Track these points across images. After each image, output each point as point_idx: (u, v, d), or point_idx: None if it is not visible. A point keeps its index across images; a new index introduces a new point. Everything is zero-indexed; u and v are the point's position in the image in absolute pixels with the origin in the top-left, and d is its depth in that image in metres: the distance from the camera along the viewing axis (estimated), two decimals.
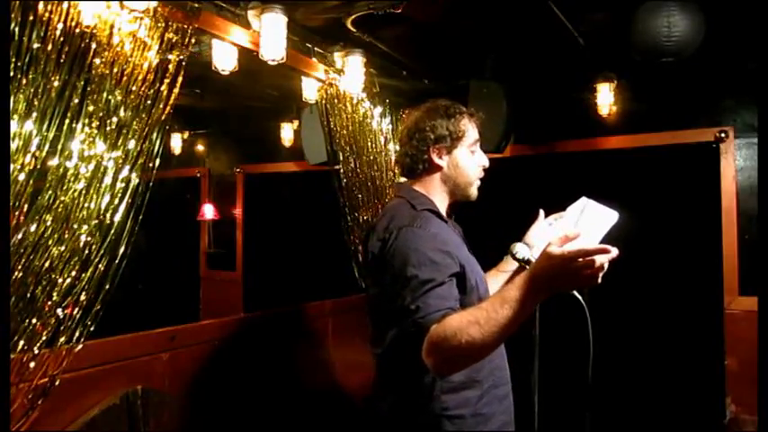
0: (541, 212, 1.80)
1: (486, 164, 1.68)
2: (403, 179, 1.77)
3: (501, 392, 1.60)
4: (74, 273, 1.60)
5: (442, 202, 1.66)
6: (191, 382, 2.28)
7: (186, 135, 5.04)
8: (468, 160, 1.64)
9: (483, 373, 1.55)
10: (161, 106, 1.81)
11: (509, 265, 1.76)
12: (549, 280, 1.19)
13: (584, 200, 1.70)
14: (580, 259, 1.16)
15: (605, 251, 1.16)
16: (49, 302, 1.56)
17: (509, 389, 1.65)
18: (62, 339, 1.60)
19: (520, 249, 1.49)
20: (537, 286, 1.20)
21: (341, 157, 3.02)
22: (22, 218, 1.49)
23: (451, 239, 1.55)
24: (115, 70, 1.70)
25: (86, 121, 1.63)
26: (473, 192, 1.67)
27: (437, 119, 1.61)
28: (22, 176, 1.47)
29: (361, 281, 3.11)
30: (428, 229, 1.48)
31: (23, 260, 1.50)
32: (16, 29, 1.44)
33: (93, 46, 1.65)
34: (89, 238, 1.63)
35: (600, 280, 1.18)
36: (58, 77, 1.54)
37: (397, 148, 1.82)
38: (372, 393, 1.63)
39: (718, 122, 3.41)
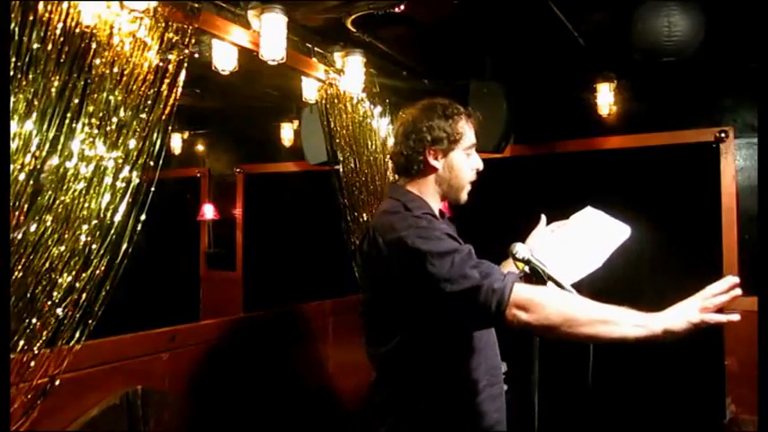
0: (543, 218, 1.79)
1: (481, 167, 1.65)
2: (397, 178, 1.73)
3: (495, 391, 1.61)
4: (74, 273, 1.60)
5: (435, 204, 1.65)
6: (191, 382, 2.28)
7: (186, 135, 5.05)
8: (464, 163, 1.61)
9: (477, 373, 1.56)
10: (161, 106, 1.81)
11: (509, 269, 1.75)
12: (667, 313, 1.29)
13: (589, 209, 1.68)
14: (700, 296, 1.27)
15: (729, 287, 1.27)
16: (49, 302, 1.56)
17: (502, 388, 1.66)
18: (62, 339, 1.60)
19: (519, 249, 1.49)
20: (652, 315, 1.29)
21: (341, 157, 3.02)
22: (22, 218, 1.49)
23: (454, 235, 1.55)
24: (115, 70, 1.69)
25: (86, 121, 1.63)
26: (463, 196, 1.65)
27: (435, 119, 1.57)
28: (22, 176, 1.47)
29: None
30: (431, 224, 1.49)
31: (23, 260, 1.50)
32: (16, 29, 1.44)
33: (93, 46, 1.64)
34: (89, 238, 1.63)
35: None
36: (58, 77, 1.54)
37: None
38: (370, 390, 1.62)
39: (718, 122, 3.42)
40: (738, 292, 1.28)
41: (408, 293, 1.44)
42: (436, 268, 1.36)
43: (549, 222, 1.79)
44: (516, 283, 1.33)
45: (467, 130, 1.61)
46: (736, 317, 1.25)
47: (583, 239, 1.59)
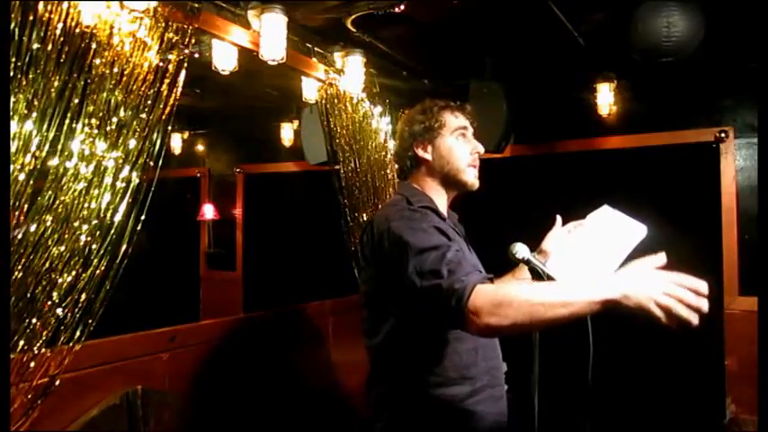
0: (558, 219, 1.80)
1: (481, 150, 1.67)
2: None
3: (496, 393, 1.60)
4: (74, 273, 1.60)
5: (439, 198, 1.67)
6: (191, 382, 2.28)
7: (186, 135, 5.05)
8: (454, 147, 1.65)
9: (475, 371, 1.55)
10: (161, 106, 1.81)
11: (524, 273, 1.74)
12: (625, 277, 1.20)
13: (606, 209, 1.67)
14: (671, 278, 1.18)
15: (699, 292, 1.17)
16: (49, 302, 1.56)
17: (504, 390, 1.65)
18: (62, 339, 1.60)
19: (519, 249, 1.48)
20: (609, 279, 1.21)
21: (341, 157, 3.02)
22: (22, 218, 1.49)
23: (449, 232, 1.54)
24: (115, 70, 1.69)
25: (86, 121, 1.63)
26: (467, 178, 1.65)
27: (415, 116, 1.69)
28: (22, 176, 1.47)
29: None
30: (425, 217, 1.50)
31: (23, 260, 1.50)
32: (16, 29, 1.44)
33: (93, 46, 1.65)
34: (89, 238, 1.63)
35: (678, 313, 1.18)
36: (58, 77, 1.54)
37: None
38: (366, 385, 1.64)
39: (718, 122, 3.41)
40: (705, 306, 1.21)
41: (392, 283, 1.46)
42: (413, 261, 1.37)
43: (564, 223, 1.79)
44: (480, 284, 1.27)
45: (448, 117, 1.67)
46: (695, 319, 1.19)
47: (600, 241, 1.57)
